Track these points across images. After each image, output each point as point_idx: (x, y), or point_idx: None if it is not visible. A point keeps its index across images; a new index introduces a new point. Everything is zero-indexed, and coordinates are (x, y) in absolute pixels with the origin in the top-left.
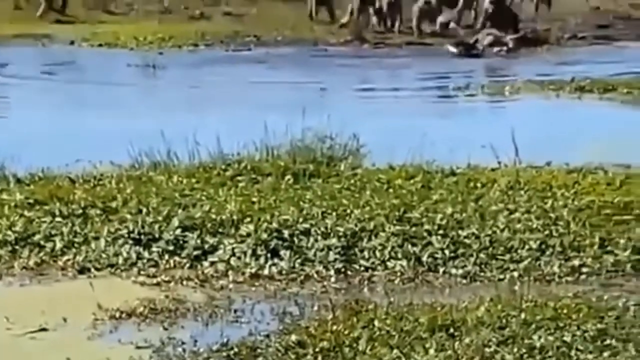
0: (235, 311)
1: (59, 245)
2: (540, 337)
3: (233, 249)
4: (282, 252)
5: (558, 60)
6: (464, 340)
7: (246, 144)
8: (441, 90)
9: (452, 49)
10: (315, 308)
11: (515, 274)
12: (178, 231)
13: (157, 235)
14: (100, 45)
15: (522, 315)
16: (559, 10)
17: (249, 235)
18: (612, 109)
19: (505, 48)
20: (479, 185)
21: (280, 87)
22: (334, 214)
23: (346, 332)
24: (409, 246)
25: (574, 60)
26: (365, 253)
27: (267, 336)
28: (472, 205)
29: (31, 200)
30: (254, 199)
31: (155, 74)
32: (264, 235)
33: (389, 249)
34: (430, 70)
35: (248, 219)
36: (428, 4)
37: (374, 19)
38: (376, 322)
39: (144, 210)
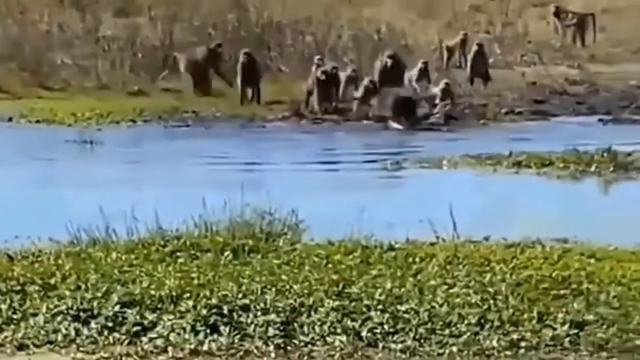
0: None
1: None
2: None
3: (172, 324)
4: (221, 328)
5: (495, 134)
6: None
7: (185, 219)
8: (379, 164)
9: (396, 125)
10: None
11: (455, 348)
12: (117, 307)
13: (96, 312)
14: (38, 121)
15: None
16: (496, 85)
17: (188, 311)
18: (549, 183)
19: (442, 122)
20: (417, 259)
21: (218, 163)
22: (273, 289)
23: None
24: (348, 321)
25: (511, 135)
26: (305, 328)
27: None
28: (411, 280)
29: None
30: (193, 275)
31: (94, 150)
32: (204, 311)
33: (329, 324)
34: (368, 144)
35: (187, 295)
36: (373, 83)
37: (314, 96)
38: None
39: (83, 286)
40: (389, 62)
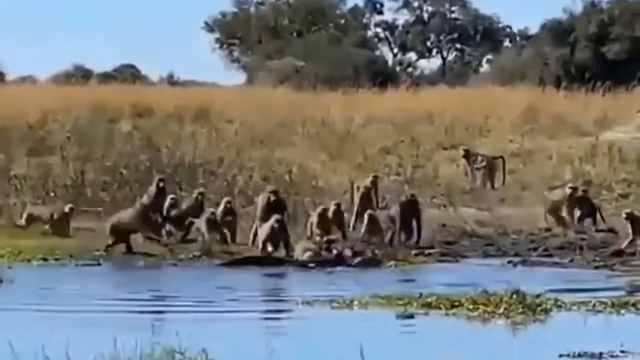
0: None
1: None
2: None
3: None
4: None
5: (406, 276)
6: None
7: (95, 358)
8: (287, 304)
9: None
10: None
11: None
12: None
13: None
14: None
15: None
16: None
17: None
18: (459, 325)
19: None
20: None
21: (128, 305)
22: None
23: None
24: None
25: (422, 276)
26: None
27: None
28: None
29: None
30: None
31: (3, 288)
32: None
33: None
34: (277, 285)
35: None
36: (279, 222)
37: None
38: None
39: None
40: (272, 197)
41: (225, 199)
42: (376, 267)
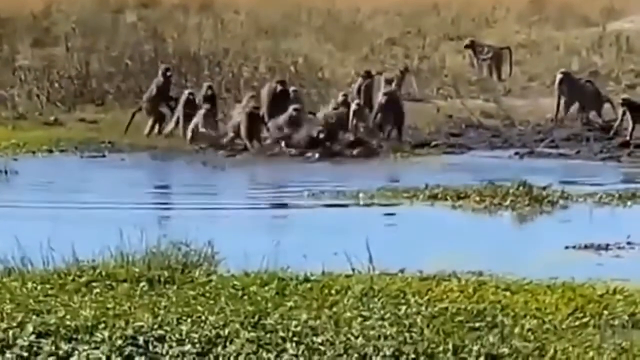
0: None
1: None
2: None
3: (88, 355)
4: (136, 358)
5: (411, 168)
6: None
7: (101, 250)
8: (295, 198)
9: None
10: None
11: None
12: (32, 337)
13: (10, 342)
14: None
15: None
16: (411, 119)
17: (103, 341)
18: (465, 216)
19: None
20: (333, 292)
21: (136, 193)
22: (189, 320)
23: None
24: (264, 353)
25: (427, 167)
26: (220, 359)
27: None
28: (326, 312)
29: None
30: (109, 305)
31: (8, 180)
32: (119, 342)
33: (244, 355)
34: (281, 178)
35: (103, 325)
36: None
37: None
38: None
39: None
40: (279, 87)
41: (206, 84)
42: (377, 158)
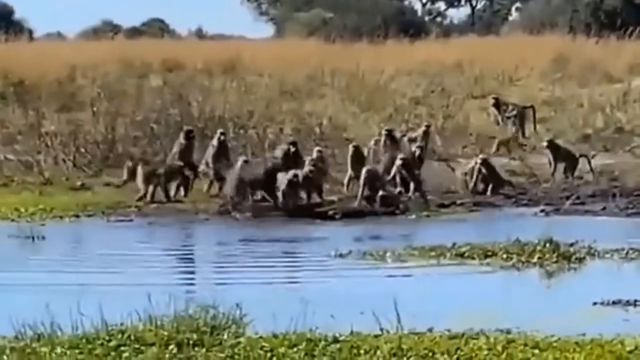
0: None
1: None
2: None
3: None
4: None
5: (438, 226)
6: None
7: (130, 313)
8: (323, 257)
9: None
10: None
11: None
12: None
13: None
14: None
15: None
16: (436, 178)
17: None
18: (493, 274)
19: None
20: (362, 352)
21: (161, 258)
22: None
23: None
24: None
25: (454, 226)
26: None
27: None
28: None
29: None
30: None
31: (36, 246)
32: None
33: None
34: (309, 236)
35: None
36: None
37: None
38: None
39: None
40: (292, 148)
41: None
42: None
